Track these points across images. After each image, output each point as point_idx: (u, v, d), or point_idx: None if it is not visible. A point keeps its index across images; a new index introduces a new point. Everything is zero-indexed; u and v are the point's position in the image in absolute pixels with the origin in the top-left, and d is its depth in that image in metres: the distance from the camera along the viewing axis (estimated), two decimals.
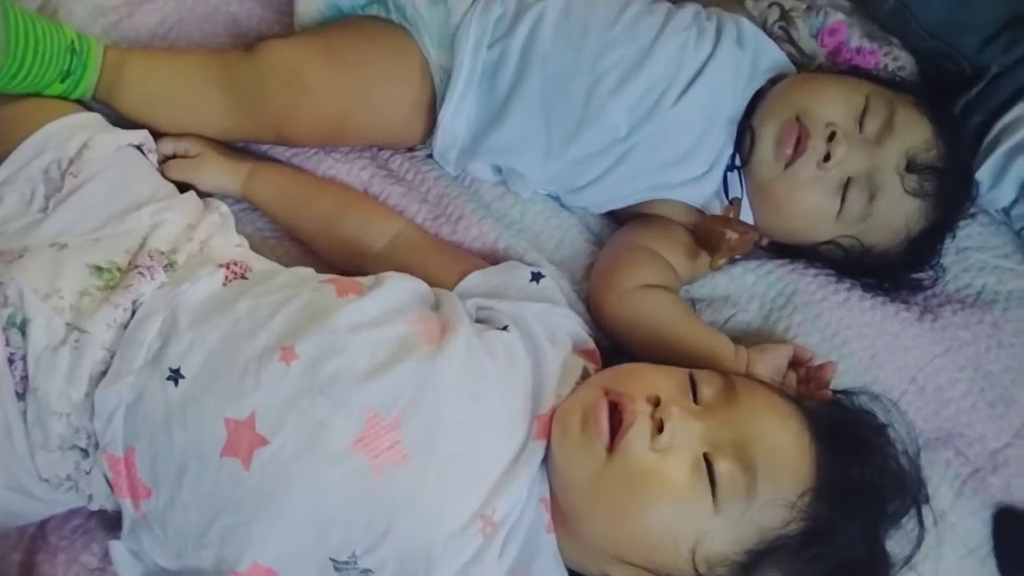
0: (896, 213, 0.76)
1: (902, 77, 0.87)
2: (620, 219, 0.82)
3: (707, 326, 0.76)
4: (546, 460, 0.63)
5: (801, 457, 0.60)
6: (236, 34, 0.84)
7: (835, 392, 0.72)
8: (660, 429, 0.59)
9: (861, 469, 0.62)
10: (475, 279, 0.72)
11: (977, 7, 0.86)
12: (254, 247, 0.74)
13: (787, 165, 0.75)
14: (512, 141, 0.76)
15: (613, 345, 0.75)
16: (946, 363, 0.78)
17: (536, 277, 0.72)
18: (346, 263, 0.75)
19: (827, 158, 0.74)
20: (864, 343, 0.78)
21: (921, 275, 0.82)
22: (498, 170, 0.81)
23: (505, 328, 0.67)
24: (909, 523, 0.67)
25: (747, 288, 0.80)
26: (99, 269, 0.63)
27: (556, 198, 0.82)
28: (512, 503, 0.61)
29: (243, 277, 0.65)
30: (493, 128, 0.76)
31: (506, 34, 0.75)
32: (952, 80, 0.89)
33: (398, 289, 0.66)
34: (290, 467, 0.57)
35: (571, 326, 0.71)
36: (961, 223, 0.86)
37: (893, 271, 0.80)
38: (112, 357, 0.61)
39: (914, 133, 0.75)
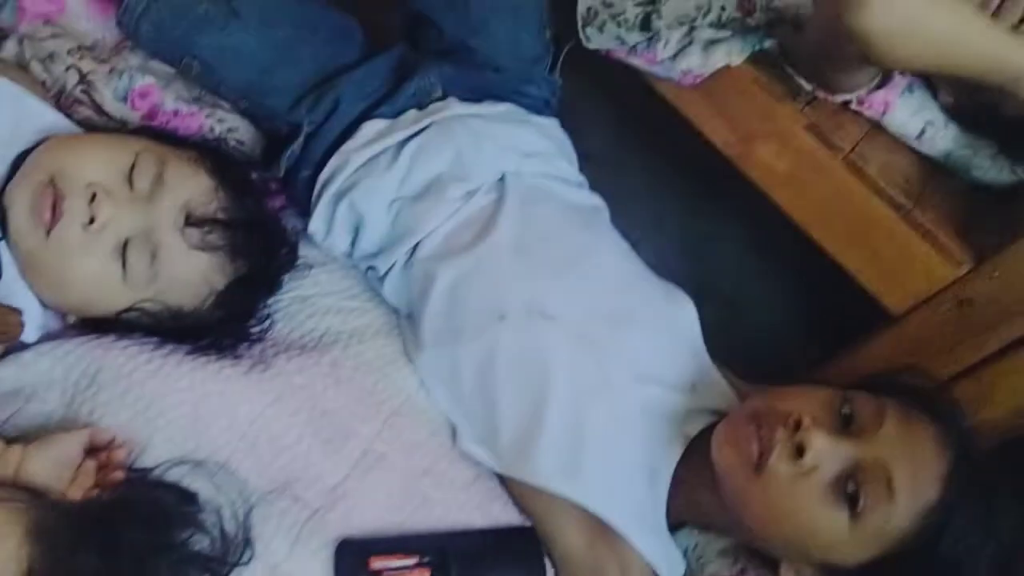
0: (188, 270, 0.74)
1: (225, 138, 0.87)
2: None
3: None
4: None
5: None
6: None
7: (137, 471, 0.66)
8: None
9: (111, 556, 0.56)
10: None
11: (279, 72, 0.90)
12: None
13: (48, 232, 0.68)
14: None
15: None
16: (278, 411, 0.77)
17: None
18: None
19: (92, 221, 0.69)
20: (183, 410, 0.73)
21: (251, 328, 0.81)
22: None
23: None
24: None
25: (43, 374, 0.71)
26: None
27: None
28: None
29: None
30: None
31: None
32: (277, 138, 0.93)
33: None
34: None
35: None
36: (309, 271, 0.89)
37: (216, 329, 0.78)
38: None
39: (189, 187, 0.74)
